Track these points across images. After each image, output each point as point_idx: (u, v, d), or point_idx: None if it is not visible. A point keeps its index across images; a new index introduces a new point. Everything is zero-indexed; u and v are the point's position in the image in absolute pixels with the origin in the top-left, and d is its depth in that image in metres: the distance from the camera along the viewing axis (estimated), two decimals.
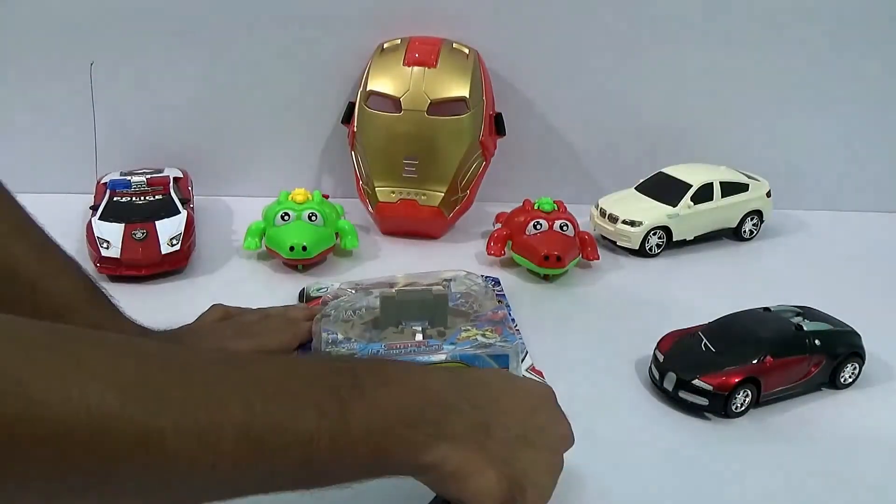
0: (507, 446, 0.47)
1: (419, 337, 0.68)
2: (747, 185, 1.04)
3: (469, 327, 0.68)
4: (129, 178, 0.98)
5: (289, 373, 0.43)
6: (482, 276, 0.81)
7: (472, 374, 0.57)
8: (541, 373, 0.72)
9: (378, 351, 0.64)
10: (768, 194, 1.05)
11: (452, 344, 0.65)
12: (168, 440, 0.35)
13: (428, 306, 0.70)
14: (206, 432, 0.36)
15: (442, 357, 0.64)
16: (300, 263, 0.90)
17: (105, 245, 0.87)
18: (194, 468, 0.37)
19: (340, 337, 0.67)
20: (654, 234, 0.98)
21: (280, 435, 0.39)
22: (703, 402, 0.68)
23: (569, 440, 0.53)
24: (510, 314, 0.81)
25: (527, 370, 0.71)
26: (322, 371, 0.44)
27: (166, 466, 0.36)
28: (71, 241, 0.89)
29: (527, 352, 0.74)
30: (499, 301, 0.78)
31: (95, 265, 0.86)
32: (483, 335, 0.67)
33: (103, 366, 0.35)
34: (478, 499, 0.46)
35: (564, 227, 0.93)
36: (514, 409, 0.50)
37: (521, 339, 0.76)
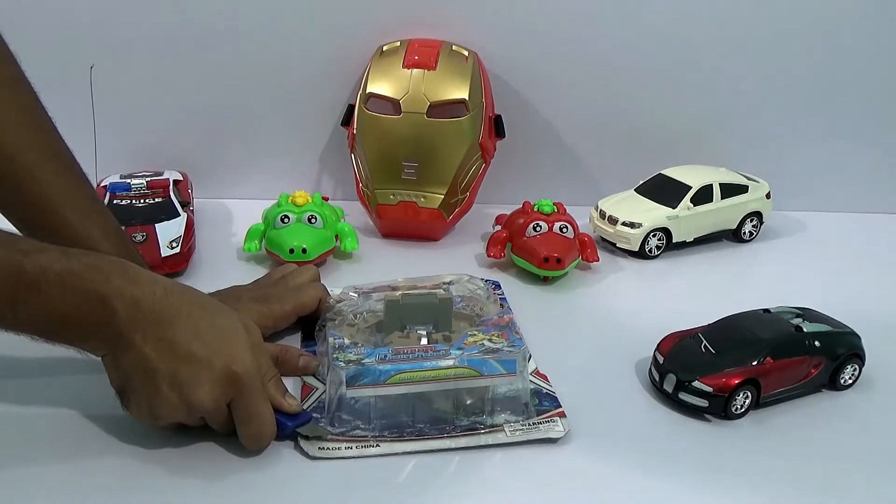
0: (139, 368, 0.58)
1: (424, 341, 0.68)
2: (747, 187, 1.04)
3: (475, 332, 0.68)
4: (128, 180, 0.98)
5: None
6: (482, 279, 0.81)
7: (192, 298, 0.62)
8: (545, 376, 0.72)
9: (385, 355, 0.65)
10: (768, 196, 1.05)
11: (460, 349, 0.66)
12: None
13: (432, 310, 0.70)
14: None
15: (450, 362, 0.64)
16: (300, 266, 0.90)
17: None
18: None
19: (347, 341, 0.67)
20: (654, 235, 0.98)
21: None
22: (703, 403, 0.68)
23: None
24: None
25: (531, 374, 0.71)
26: (12, 266, 0.55)
27: None
28: None
29: (530, 355, 0.74)
30: (501, 305, 0.78)
31: None
32: (490, 340, 0.67)
33: None
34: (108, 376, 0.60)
35: (564, 229, 0.93)
36: (183, 347, 0.58)
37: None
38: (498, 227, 0.98)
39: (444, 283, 0.77)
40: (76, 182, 0.72)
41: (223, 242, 0.98)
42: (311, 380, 0.71)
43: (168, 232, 0.90)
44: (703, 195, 1.00)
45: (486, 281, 0.84)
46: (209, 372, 0.59)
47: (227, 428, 0.62)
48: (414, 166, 0.98)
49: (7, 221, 0.70)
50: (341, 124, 1.04)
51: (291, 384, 0.71)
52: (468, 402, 0.65)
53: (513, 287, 0.90)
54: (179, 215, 0.93)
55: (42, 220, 0.69)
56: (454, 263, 0.94)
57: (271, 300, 0.77)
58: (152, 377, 0.58)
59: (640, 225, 0.98)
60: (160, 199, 0.95)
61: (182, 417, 0.60)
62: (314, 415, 0.66)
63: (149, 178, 0.99)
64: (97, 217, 0.73)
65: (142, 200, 0.94)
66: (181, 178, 1.02)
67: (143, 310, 0.58)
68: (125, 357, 0.58)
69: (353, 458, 0.62)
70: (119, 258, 0.60)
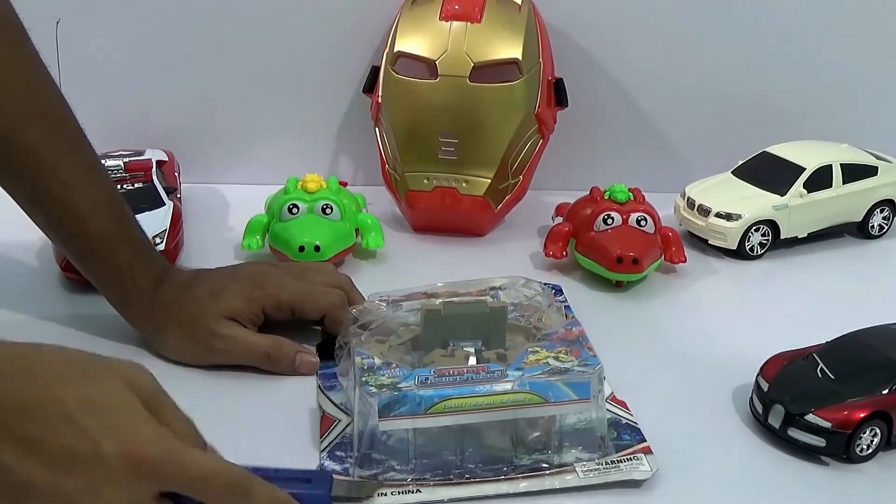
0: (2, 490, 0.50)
1: (472, 360, 0.69)
2: (876, 168, 1.03)
3: (538, 348, 0.69)
4: (102, 161, 0.99)
5: None
6: (541, 283, 0.81)
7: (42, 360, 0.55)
8: (624, 403, 0.72)
9: (426, 378, 0.65)
10: None
11: (519, 370, 0.66)
12: None
13: (482, 322, 0.71)
14: None
15: (507, 387, 0.64)
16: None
17: None
18: None
19: (377, 361, 0.67)
20: (757, 230, 0.98)
21: None
22: (820, 442, 0.67)
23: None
24: None
25: (607, 400, 0.71)
26: None
27: None
28: (33, 239, 0.90)
29: (604, 378, 0.73)
30: (566, 315, 0.78)
31: (61, 268, 0.87)
32: (555, 358, 0.67)
33: None
34: None
35: (642, 222, 0.93)
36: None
37: None
38: (559, 219, 0.98)
39: (493, 289, 0.77)
40: (67, 146, 0.75)
41: (217, 238, 1.00)
42: (331, 409, 0.71)
43: (150, 225, 0.90)
44: (820, 179, 1.00)
45: (546, 285, 0.84)
46: (103, 470, 0.50)
47: None
48: (453, 143, 0.99)
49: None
50: (363, 91, 1.05)
51: (308, 415, 0.71)
52: (530, 436, 0.65)
53: (578, 294, 0.90)
54: (164, 204, 0.94)
55: (24, 191, 0.75)
56: (504, 264, 0.94)
57: (270, 284, 0.78)
58: (25, 499, 0.50)
59: (738, 217, 0.97)
60: (140, 185, 0.96)
61: None
62: (331, 466, 0.65)
63: (127, 159, 1.00)
64: (90, 187, 0.76)
65: (118, 186, 0.94)
66: (166, 159, 1.03)
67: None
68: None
69: None
70: None
